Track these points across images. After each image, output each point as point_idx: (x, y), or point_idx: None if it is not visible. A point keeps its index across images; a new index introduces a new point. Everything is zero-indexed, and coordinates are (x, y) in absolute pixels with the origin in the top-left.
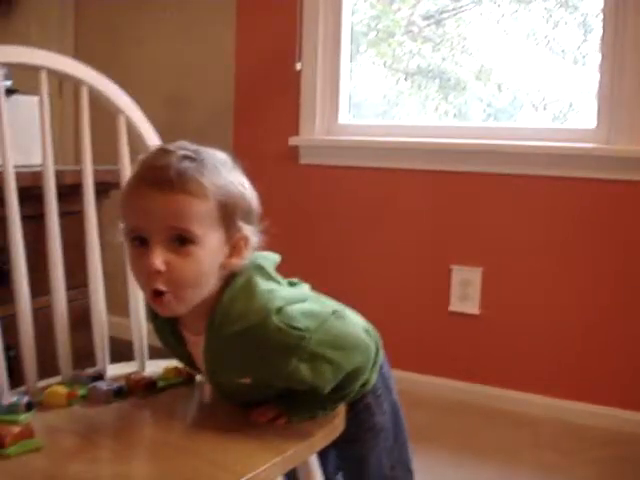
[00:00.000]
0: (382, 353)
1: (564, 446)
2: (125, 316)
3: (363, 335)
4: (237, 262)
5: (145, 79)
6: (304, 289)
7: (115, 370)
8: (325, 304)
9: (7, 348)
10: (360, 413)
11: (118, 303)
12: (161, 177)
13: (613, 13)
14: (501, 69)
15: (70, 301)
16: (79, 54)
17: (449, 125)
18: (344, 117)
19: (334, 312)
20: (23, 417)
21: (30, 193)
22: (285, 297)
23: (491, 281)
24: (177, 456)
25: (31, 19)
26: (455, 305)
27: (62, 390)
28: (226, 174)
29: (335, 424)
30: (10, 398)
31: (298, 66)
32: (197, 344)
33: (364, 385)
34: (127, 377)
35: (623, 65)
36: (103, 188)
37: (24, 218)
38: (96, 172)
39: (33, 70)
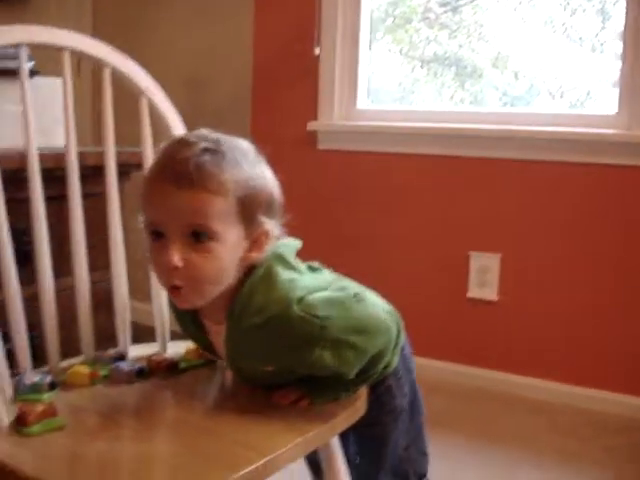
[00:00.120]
0: (403, 335)
1: (581, 433)
2: (146, 301)
3: (385, 317)
4: (257, 256)
5: (163, 62)
6: (325, 273)
7: (137, 351)
8: (346, 287)
9: (29, 329)
10: (381, 396)
11: (139, 288)
12: (180, 173)
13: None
14: (518, 57)
15: (92, 283)
16: (97, 36)
17: (468, 110)
18: (362, 102)
19: (355, 295)
20: (46, 396)
21: (52, 174)
22: (306, 286)
23: (510, 267)
24: (199, 436)
25: (50, 1)
26: (473, 291)
27: (85, 370)
28: (247, 167)
29: (357, 406)
30: (33, 378)
31: (317, 51)
32: (218, 333)
33: (386, 367)
34: (149, 358)
35: None
36: (124, 170)
37: (46, 199)
38: (118, 154)
39: (55, 50)
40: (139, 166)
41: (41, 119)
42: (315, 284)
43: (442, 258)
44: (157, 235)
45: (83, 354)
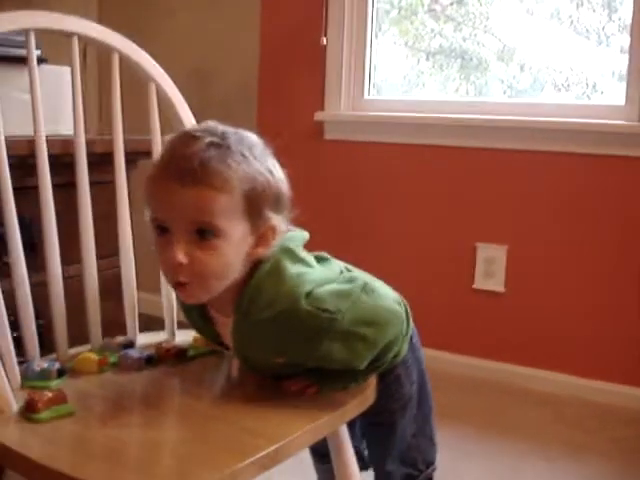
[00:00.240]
0: (411, 323)
1: (587, 425)
2: (153, 293)
3: (395, 306)
4: (264, 251)
5: (169, 53)
6: (333, 264)
7: (145, 339)
8: (355, 278)
9: (37, 317)
10: (390, 384)
11: (146, 279)
12: (185, 170)
13: None
14: (524, 49)
15: (100, 270)
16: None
17: (475, 101)
18: (370, 92)
19: (364, 287)
20: (54, 383)
21: (60, 161)
22: (314, 280)
23: (516, 259)
24: (207, 423)
25: None
26: (480, 283)
27: (93, 357)
28: (254, 162)
29: (367, 394)
30: (41, 364)
31: (324, 41)
32: (226, 325)
33: (395, 356)
34: (157, 345)
35: None
36: (132, 158)
37: (53, 187)
38: (125, 141)
39: (62, 38)
40: (147, 154)
41: (48, 107)
42: (323, 277)
43: (448, 249)
44: (162, 230)
45: (91, 342)
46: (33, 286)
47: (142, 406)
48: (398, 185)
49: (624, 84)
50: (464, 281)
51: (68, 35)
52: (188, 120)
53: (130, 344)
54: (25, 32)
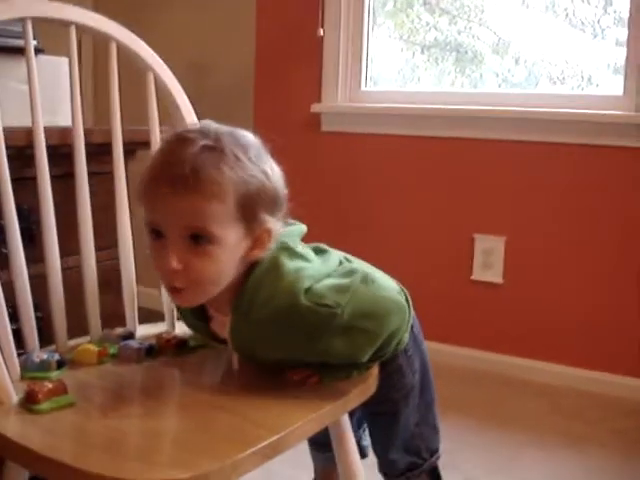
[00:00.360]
0: (412, 312)
1: (587, 416)
2: (151, 286)
3: (396, 296)
4: (260, 254)
5: (165, 46)
6: (332, 255)
7: (144, 330)
8: (354, 270)
9: (35, 309)
10: (392, 374)
11: (144, 273)
12: (177, 176)
13: None
14: (519, 42)
15: (99, 262)
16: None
17: (472, 92)
18: (367, 84)
19: (363, 278)
20: (54, 374)
21: (57, 152)
22: (312, 275)
23: (514, 250)
24: (209, 413)
25: None
26: (478, 274)
27: (93, 348)
28: (248, 165)
29: (369, 383)
30: (41, 356)
31: (320, 32)
32: (224, 324)
33: (397, 345)
34: (158, 336)
35: None
36: (130, 148)
37: (51, 178)
38: (123, 132)
39: (60, 27)
40: (145, 144)
41: (45, 98)
42: (322, 270)
43: (446, 241)
44: (157, 234)
45: (90, 333)
46: (32, 278)
47: (142, 396)
48: (396, 177)
49: (619, 77)
50: (462, 272)
51: (66, 24)
52: (186, 109)
53: (130, 335)
54: (22, 21)
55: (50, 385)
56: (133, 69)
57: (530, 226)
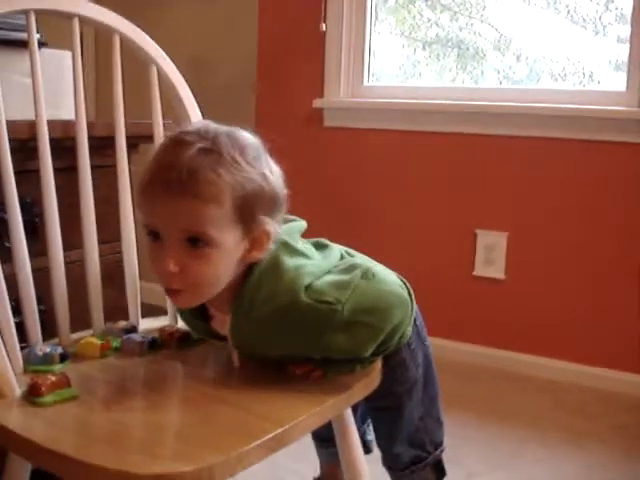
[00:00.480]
0: (415, 305)
1: (588, 411)
2: (153, 282)
3: (398, 289)
4: (258, 255)
5: (167, 41)
6: (333, 250)
7: (147, 324)
8: (355, 265)
9: (38, 302)
10: (395, 368)
11: (148, 268)
12: (174, 180)
13: None
14: (520, 39)
15: (102, 255)
16: None
17: (475, 87)
18: (369, 79)
19: (364, 274)
20: (57, 367)
21: (60, 145)
22: (313, 272)
23: (516, 246)
24: (212, 406)
25: None
26: (480, 270)
27: (96, 341)
28: (246, 167)
29: (372, 377)
30: (44, 349)
31: (323, 27)
32: (225, 322)
33: (400, 338)
34: (161, 330)
35: None
36: (132, 142)
37: (54, 171)
38: (126, 125)
39: (63, 19)
40: (148, 138)
41: (48, 92)
42: (323, 266)
43: (448, 236)
44: (155, 236)
45: (93, 326)
46: (35, 271)
47: (145, 390)
48: (398, 172)
49: (620, 74)
50: (464, 268)
51: (69, 16)
52: (189, 102)
53: (133, 329)
54: (25, 13)
55: (53, 378)
56: (135, 63)
57: (532, 222)
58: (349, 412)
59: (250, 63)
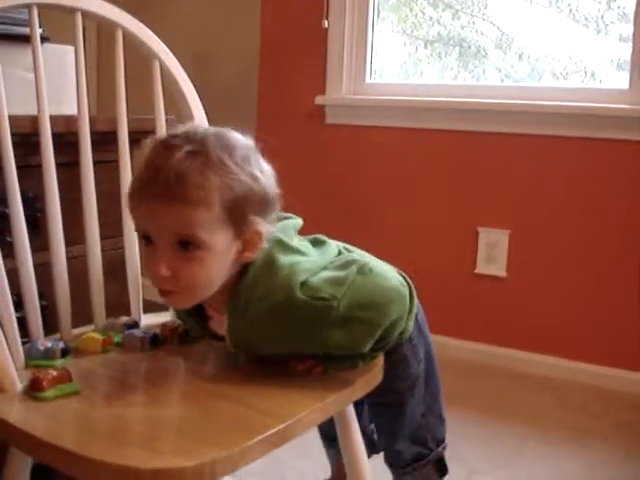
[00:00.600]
0: (416, 301)
1: (590, 410)
2: None
3: (395, 284)
4: (251, 255)
5: (170, 38)
6: (330, 246)
7: (149, 319)
8: (352, 261)
9: (40, 297)
10: (397, 364)
11: None
12: (162, 186)
13: None
14: (522, 38)
15: (103, 251)
16: None
17: (477, 85)
18: (371, 76)
19: (360, 270)
20: (59, 362)
21: (62, 140)
22: (308, 268)
23: (518, 244)
24: (214, 402)
25: None
26: (482, 267)
27: (98, 336)
28: (235, 168)
29: (374, 373)
30: (46, 344)
31: (325, 24)
32: (222, 322)
33: (401, 333)
34: (162, 325)
35: None
36: (134, 137)
37: (56, 166)
38: (128, 120)
39: (66, 13)
40: (151, 133)
41: (50, 87)
42: (319, 263)
43: (450, 234)
44: (147, 240)
45: (95, 322)
46: (36, 266)
47: (147, 385)
48: (400, 170)
49: (622, 72)
50: (466, 266)
51: (72, 11)
52: (192, 97)
53: (134, 324)
54: (28, 7)
55: (55, 373)
56: (138, 58)
57: (534, 220)
58: (351, 408)
59: (252, 59)
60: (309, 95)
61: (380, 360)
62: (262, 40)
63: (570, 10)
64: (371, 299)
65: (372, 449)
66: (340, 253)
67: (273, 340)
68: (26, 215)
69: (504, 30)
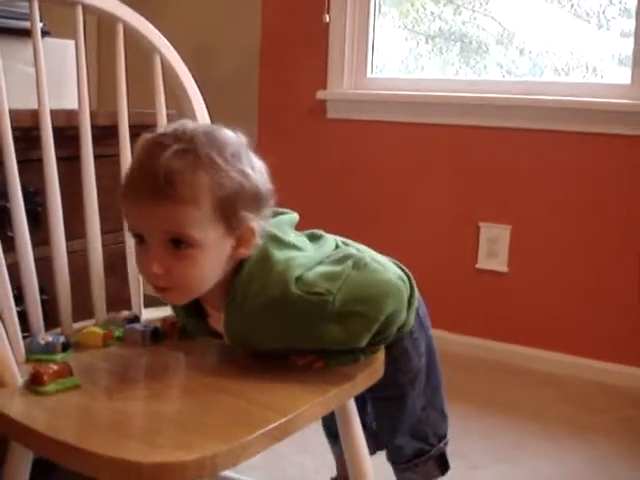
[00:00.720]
0: (417, 294)
1: (592, 405)
2: None
3: (391, 277)
4: (246, 251)
5: (171, 31)
6: (327, 240)
7: (150, 314)
8: (348, 255)
9: (40, 292)
10: (398, 358)
11: None
12: (151, 185)
13: None
14: (523, 33)
15: (104, 245)
16: None
17: (478, 80)
18: (372, 71)
19: (355, 264)
20: (60, 357)
21: (63, 134)
22: (303, 263)
23: (520, 239)
24: (214, 396)
25: None
26: (483, 262)
27: (99, 331)
28: (224, 166)
29: (375, 367)
30: (46, 338)
31: (326, 18)
32: (219, 319)
33: (402, 327)
34: (163, 320)
35: None
36: (135, 132)
37: (57, 160)
38: (129, 114)
39: (66, 6)
40: (151, 127)
41: (51, 81)
42: (315, 257)
43: (452, 229)
44: (140, 239)
45: (95, 316)
46: (37, 260)
47: (147, 379)
48: (401, 164)
49: (624, 68)
50: (467, 261)
51: (72, 4)
52: (193, 91)
53: (135, 318)
54: (29, 1)
55: (55, 367)
56: (138, 52)
57: (535, 215)
58: (352, 403)
59: (253, 54)
60: (310, 90)
61: (381, 354)
62: (263, 34)
63: (572, 5)
64: (367, 293)
65: (377, 445)
66: (337, 247)
67: (270, 335)
68: (27, 209)
69: (505, 25)
